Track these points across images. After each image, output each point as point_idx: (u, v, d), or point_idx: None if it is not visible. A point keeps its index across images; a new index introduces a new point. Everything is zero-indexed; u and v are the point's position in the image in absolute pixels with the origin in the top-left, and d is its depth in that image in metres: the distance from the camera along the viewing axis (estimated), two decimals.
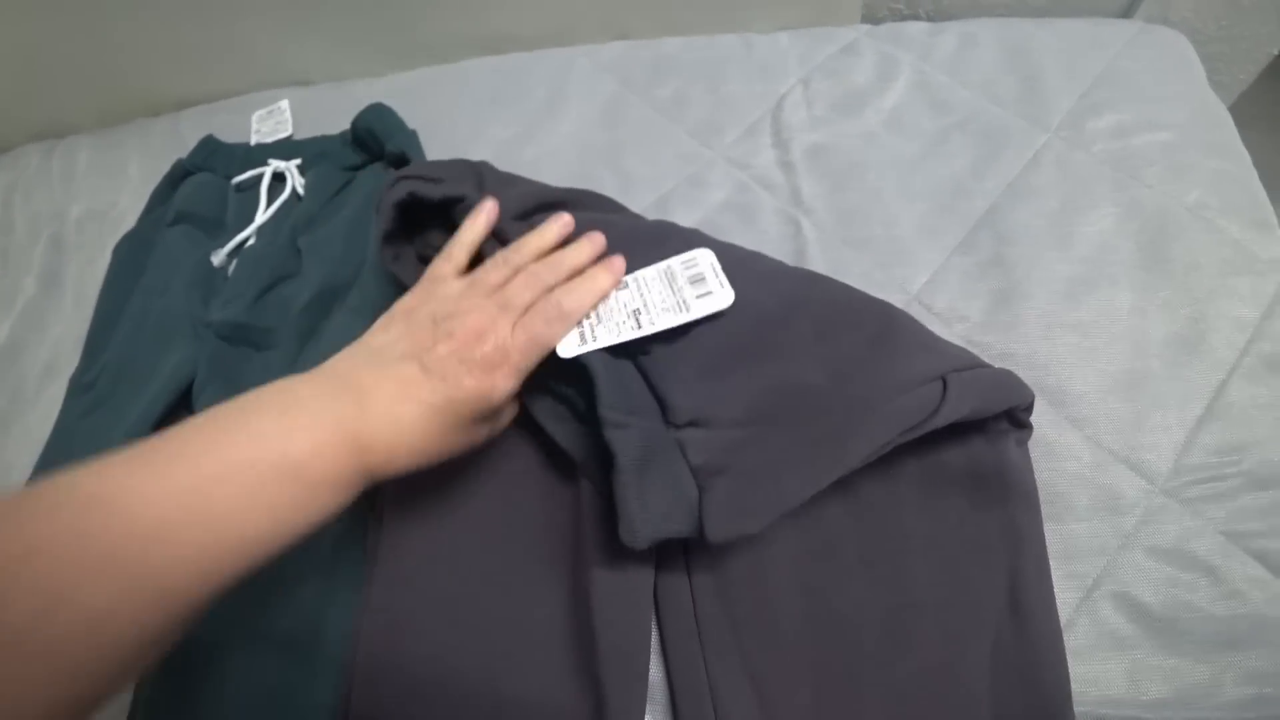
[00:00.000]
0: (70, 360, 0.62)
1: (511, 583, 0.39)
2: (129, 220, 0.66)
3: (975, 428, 0.37)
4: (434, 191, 0.42)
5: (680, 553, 0.38)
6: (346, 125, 0.61)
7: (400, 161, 0.53)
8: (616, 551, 0.35)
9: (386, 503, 0.42)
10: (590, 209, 0.46)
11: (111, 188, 0.70)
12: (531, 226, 0.40)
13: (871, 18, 0.65)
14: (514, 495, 0.41)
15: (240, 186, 0.58)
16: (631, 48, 0.59)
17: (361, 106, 0.63)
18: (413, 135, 0.54)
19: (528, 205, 0.43)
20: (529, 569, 0.39)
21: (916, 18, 0.66)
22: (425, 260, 0.43)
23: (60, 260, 0.69)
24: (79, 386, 0.58)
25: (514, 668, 0.37)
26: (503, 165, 0.47)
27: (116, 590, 0.22)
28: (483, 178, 0.44)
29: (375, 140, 0.55)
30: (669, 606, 0.37)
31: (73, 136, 0.78)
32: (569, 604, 0.37)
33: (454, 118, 0.58)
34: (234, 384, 0.50)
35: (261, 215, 0.54)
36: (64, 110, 0.78)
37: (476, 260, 0.38)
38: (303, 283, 0.50)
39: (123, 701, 0.42)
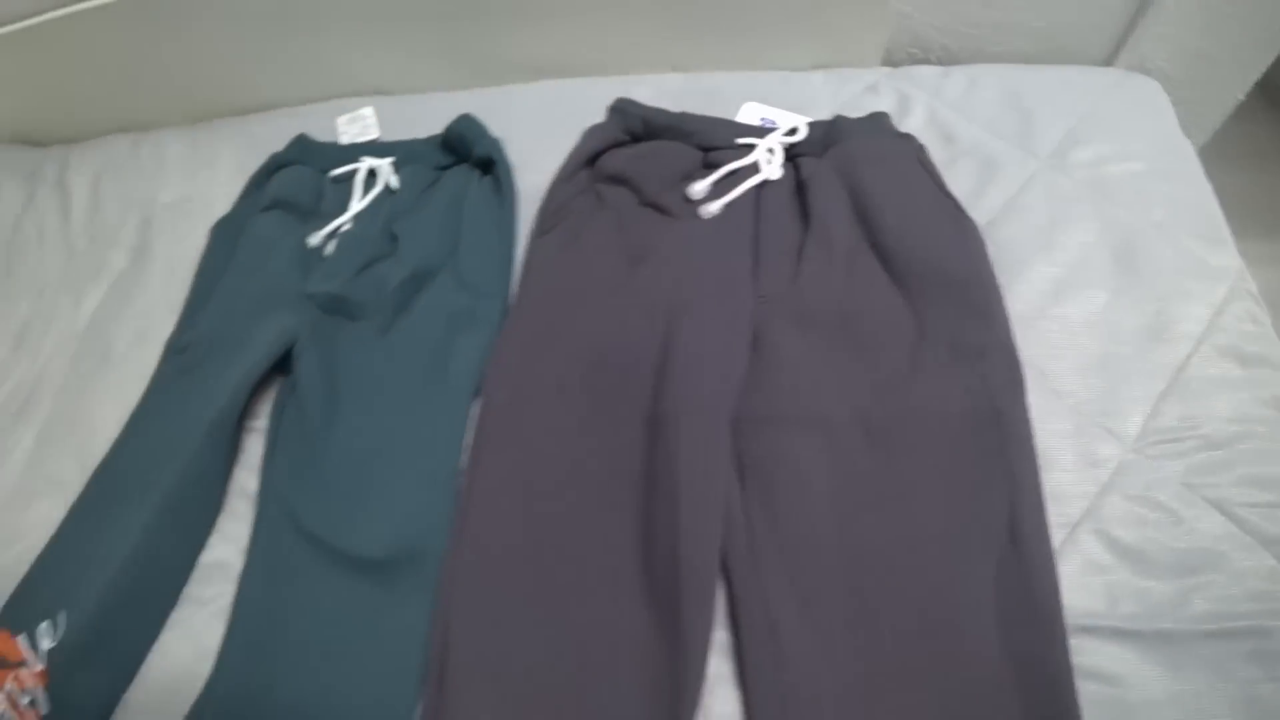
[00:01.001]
0: (159, 328, 0.69)
1: (587, 516, 0.46)
2: (219, 206, 0.74)
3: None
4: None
5: (738, 490, 0.45)
6: (420, 133, 0.70)
7: (488, 164, 0.62)
8: (697, 485, 0.43)
9: (478, 446, 0.49)
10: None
11: (203, 177, 0.77)
12: None
13: (890, 61, 0.75)
14: (584, 444, 0.48)
15: (336, 179, 0.66)
16: (689, 79, 0.68)
17: (435, 117, 0.72)
18: (497, 142, 0.62)
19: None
20: (603, 503, 0.46)
21: (929, 61, 0.76)
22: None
23: (150, 239, 0.75)
24: (175, 349, 0.64)
25: (590, 593, 0.43)
26: None
27: None
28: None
29: (464, 145, 0.63)
30: (732, 535, 0.43)
31: (159, 130, 0.85)
32: (640, 534, 0.44)
33: (523, 133, 0.66)
34: (330, 348, 0.56)
35: (357, 204, 0.62)
36: (151, 107, 0.86)
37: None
38: (397, 264, 0.58)
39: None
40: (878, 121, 0.62)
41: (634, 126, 0.59)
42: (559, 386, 0.50)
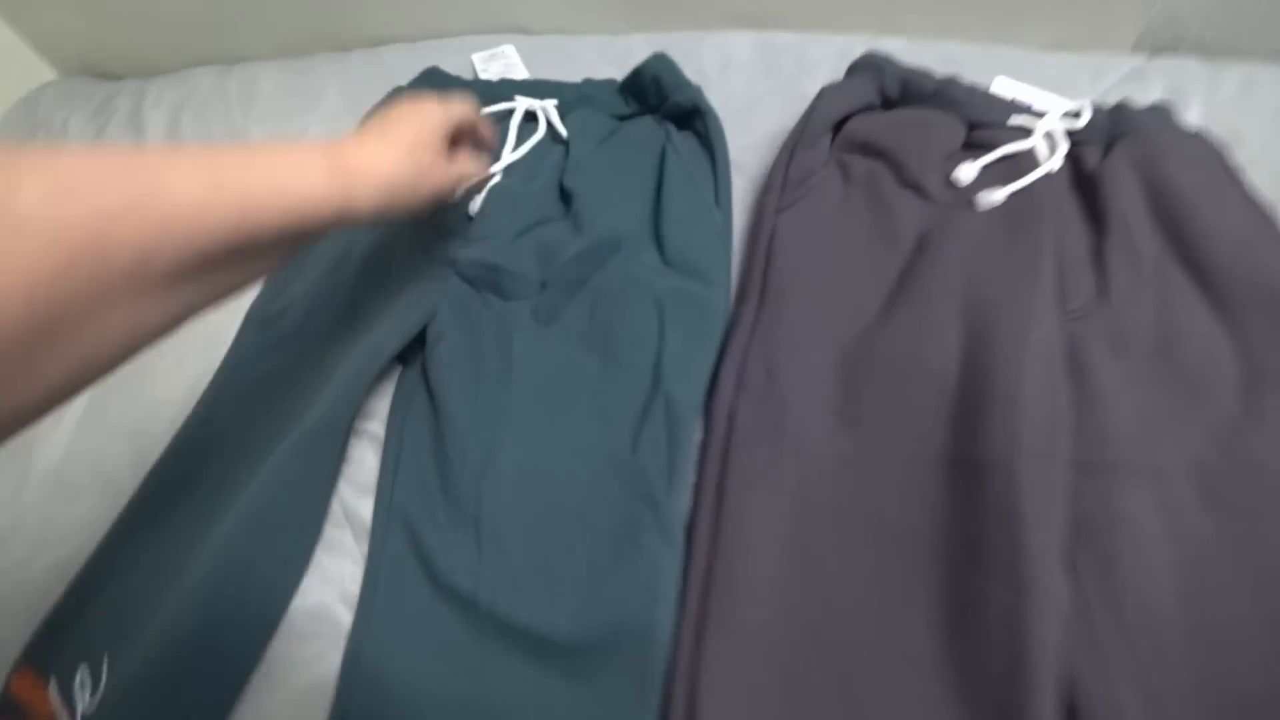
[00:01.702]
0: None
1: (879, 590, 0.33)
2: None
3: None
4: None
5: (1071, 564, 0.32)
6: (563, 77, 0.57)
7: (688, 114, 0.49)
8: (1044, 556, 0.31)
9: (717, 489, 0.36)
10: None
11: (303, 111, 0.65)
12: None
13: (1146, 46, 0.62)
14: (866, 490, 0.35)
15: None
16: (913, 46, 0.55)
17: (590, 66, 0.59)
18: (700, 91, 0.49)
19: None
20: (900, 573, 0.33)
21: (1187, 49, 0.64)
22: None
23: None
24: (261, 319, 0.51)
25: (888, 698, 0.30)
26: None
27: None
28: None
29: (658, 91, 0.50)
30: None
31: (247, 63, 0.73)
32: (955, 617, 0.31)
33: (721, 90, 0.53)
34: (473, 333, 0.43)
35: (512, 152, 0.49)
36: (240, 36, 0.74)
37: None
38: (573, 229, 0.45)
39: None
40: (1164, 115, 0.49)
41: (889, 88, 0.46)
42: (827, 410, 0.37)
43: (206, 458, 0.45)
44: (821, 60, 0.53)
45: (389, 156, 0.34)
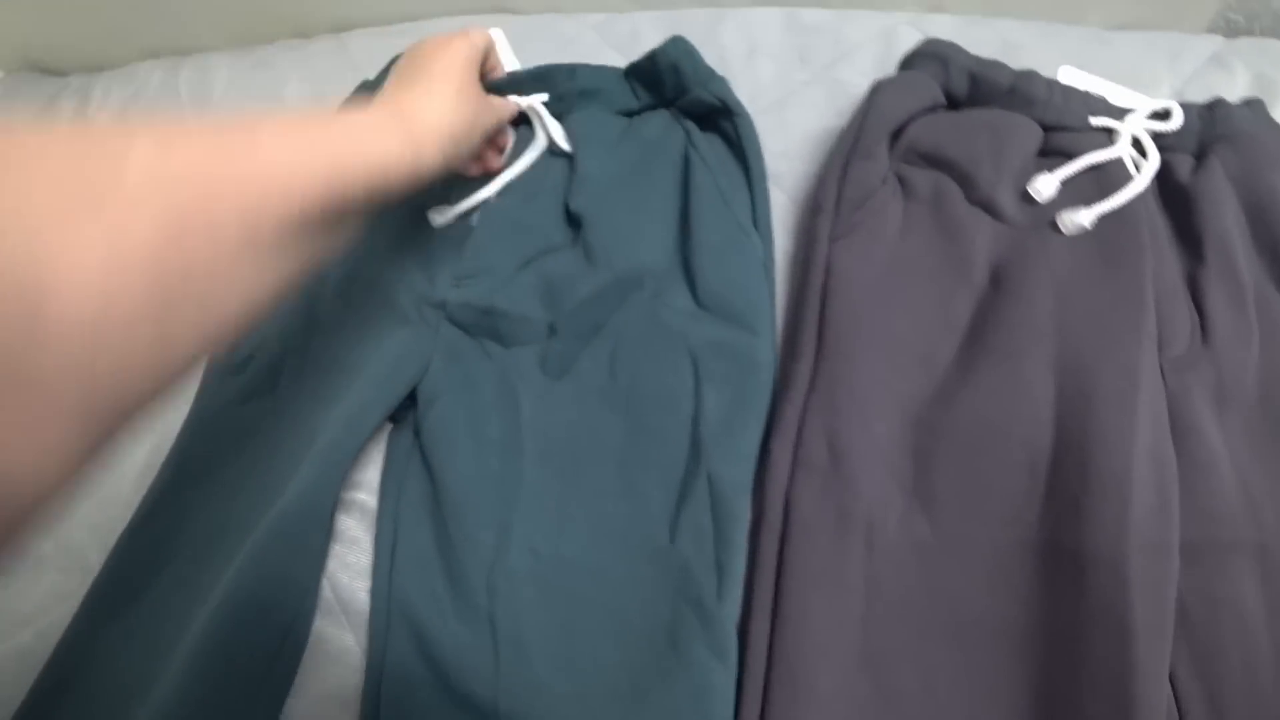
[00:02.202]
0: None
1: (953, 703, 0.29)
2: None
3: None
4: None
5: None
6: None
7: (711, 111, 0.40)
8: (1156, 669, 0.28)
9: (773, 582, 0.30)
10: None
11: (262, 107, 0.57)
12: None
13: (1220, 27, 0.55)
14: (948, 582, 0.30)
15: None
16: (962, 25, 0.47)
17: (588, 51, 0.51)
18: (726, 84, 0.41)
19: None
20: (989, 679, 0.29)
21: (1251, 33, 0.56)
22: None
23: None
24: (225, 366, 0.44)
25: None
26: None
27: None
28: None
29: (676, 81, 0.41)
30: None
31: (200, 55, 0.64)
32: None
33: (746, 77, 0.46)
34: (472, 391, 0.37)
35: (509, 167, 0.42)
36: (192, 26, 0.65)
37: None
38: (582, 261, 0.38)
39: None
40: (1262, 113, 0.43)
41: (955, 84, 0.39)
42: (898, 489, 0.32)
43: (179, 528, 0.39)
44: (862, 43, 0.46)
45: (444, 105, 0.33)
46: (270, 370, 0.42)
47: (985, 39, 0.46)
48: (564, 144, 0.42)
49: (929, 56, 0.39)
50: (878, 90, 0.38)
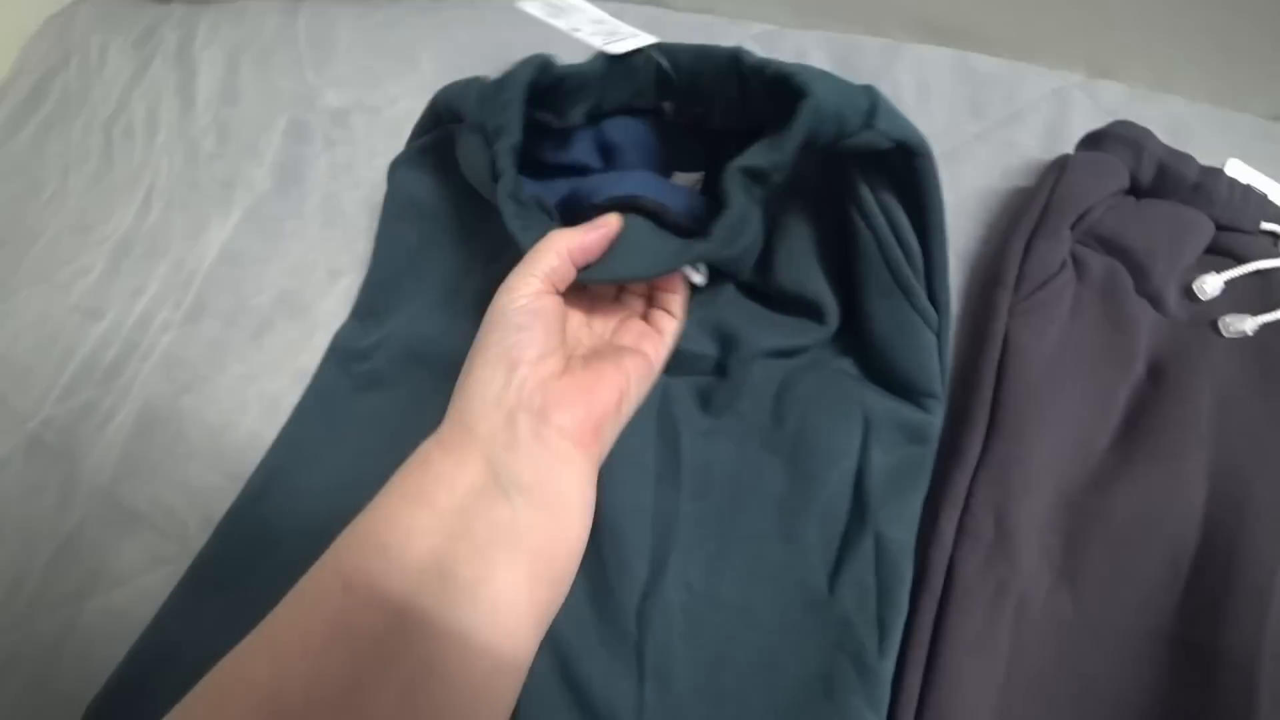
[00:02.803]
0: (318, 296, 0.49)
1: None
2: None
3: None
4: None
5: None
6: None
7: (885, 157, 0.33)
8: None
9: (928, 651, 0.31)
10: None
11: (390, 77, 0.55)
12: None
13: None
14: (1079, 664, 0.31)
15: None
16: (1134, 97, 0.46)
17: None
18: (902, 117, 0.33)
19: None
20: None
21: None
22: None
23: (306, 156, 0.54)
24: (348, 351, 0.44)
25: None
26: None
27: None
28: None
29: (840, 124, 0.32)
30: None
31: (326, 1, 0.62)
32: None
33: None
34: (634, 417, 0.34)
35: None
36: None
37: None
38: (754, 313, 0.38)
39: None
40: None
41: (1144, 172, 0.39)
42: (1047, 565, 0.33)
43: (291, 510, 0.39)
44: (1034, 103, 0.45)
45: (580, 472, 0.28)
46: (397, 361, 0.42)
47: (1153, 116, 0.45)
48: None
49: (1121, 140, 0.39)
50: (1068, 168, 0.38)
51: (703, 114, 0.39)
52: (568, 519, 0.27)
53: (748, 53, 0.35)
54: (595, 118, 0.40)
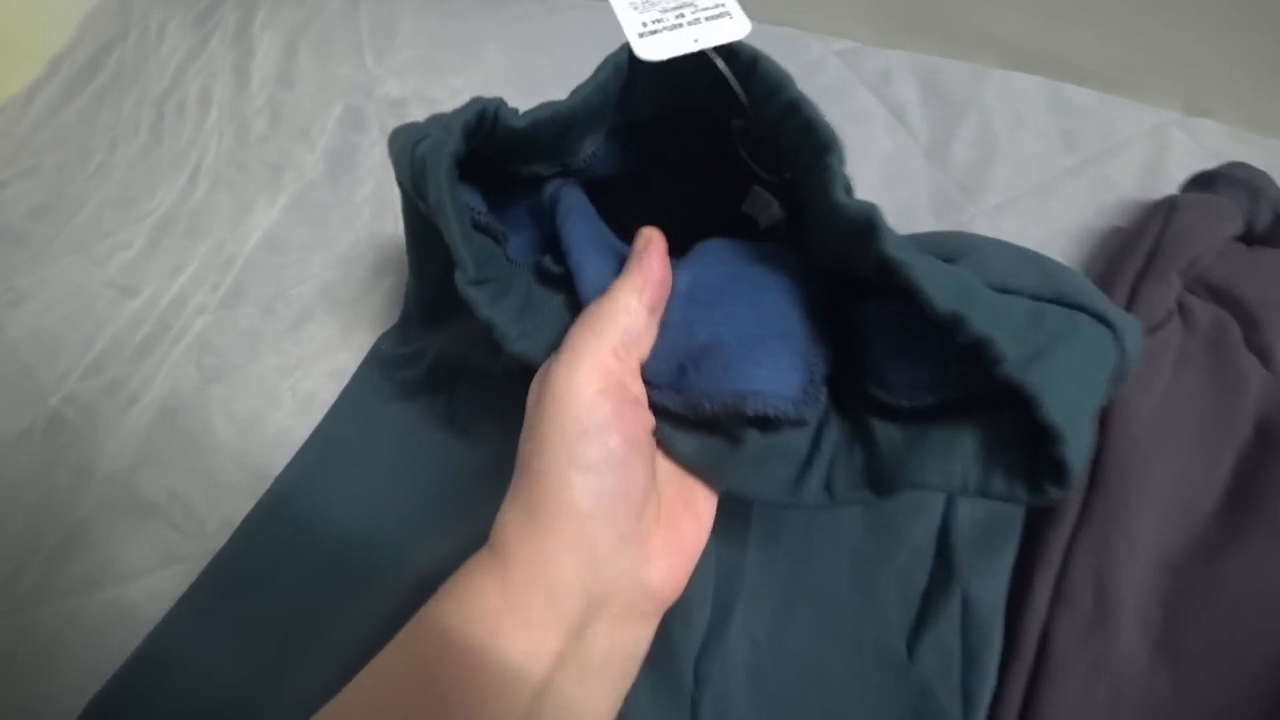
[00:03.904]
0: (360, 293, 0.47)
1: None
2: None
3: None
4: None
5: None
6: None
7: None
8: None
9: None
10: None
11: (454, 69, 0.53)
12: None
13: None
14: None
15: None
16: (1233, 138, 0.43)
17: (830, 72, 0.48)
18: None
19: None
20: None
21: None
22: None
23: (357, 145, 0.52)
24: (388, 357, 0.42)
25: None
26: None
27: None
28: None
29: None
30: None
31: None
32: None
33: (1003, 151, 0.43)
34: None
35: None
36: None
37: None
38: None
39: None
40: None
41: (1259, 218, 0.36)
42: (1147, 640, 0.30)
43: (322, 515, 0.37)
44: (1131, 140, 0.43)
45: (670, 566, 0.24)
46: (439, 371, 0.40)
47: (1252, 157, 0.42)
48: None
49: (1236, 182, 0.36)
50: (1178, 209, 0.36)
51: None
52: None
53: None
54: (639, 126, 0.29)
